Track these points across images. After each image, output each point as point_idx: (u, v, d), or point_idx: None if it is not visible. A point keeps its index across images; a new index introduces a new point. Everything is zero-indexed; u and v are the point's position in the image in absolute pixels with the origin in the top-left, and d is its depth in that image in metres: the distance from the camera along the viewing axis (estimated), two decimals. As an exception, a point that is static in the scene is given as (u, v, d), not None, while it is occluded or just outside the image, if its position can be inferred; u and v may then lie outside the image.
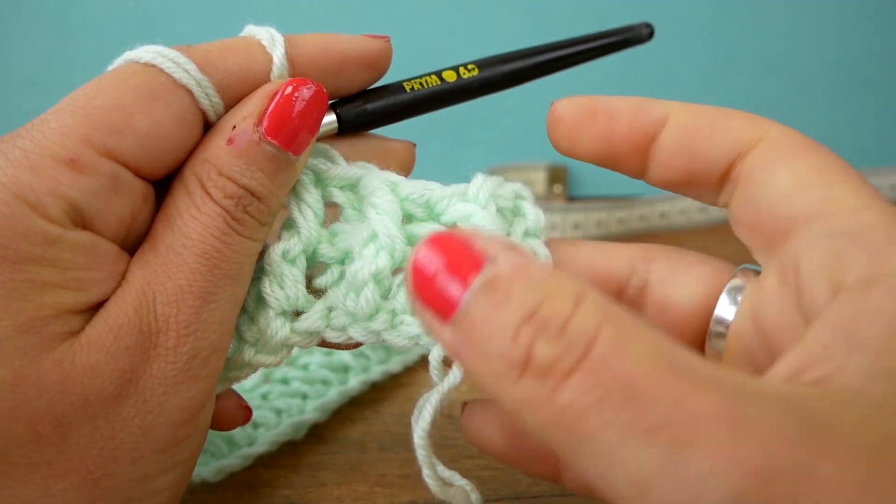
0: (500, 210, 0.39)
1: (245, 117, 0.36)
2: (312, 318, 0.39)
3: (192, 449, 0.38)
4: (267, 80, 0.38)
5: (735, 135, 0.36)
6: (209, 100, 0.37)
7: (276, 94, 0.37)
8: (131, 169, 0.35)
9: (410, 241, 0.39)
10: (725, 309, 0.37)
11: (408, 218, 0.40)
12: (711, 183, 0.37)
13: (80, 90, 0.36)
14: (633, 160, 0.39)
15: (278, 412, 0.54)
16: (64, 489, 0.34)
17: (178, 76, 0.36)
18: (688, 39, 0.87)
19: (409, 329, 0.38)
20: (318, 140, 0.40)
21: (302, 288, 0.39)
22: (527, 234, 0.39)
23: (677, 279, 0.39)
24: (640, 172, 0.39)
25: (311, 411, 0.54)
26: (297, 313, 0.40)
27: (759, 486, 0.22)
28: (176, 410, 0.35)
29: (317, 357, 0.58)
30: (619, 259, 0.40)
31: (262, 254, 0.39)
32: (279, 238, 0.39)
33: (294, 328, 0.39)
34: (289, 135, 0.36)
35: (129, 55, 0.37)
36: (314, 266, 0.40)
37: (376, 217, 0.38)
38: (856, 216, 0.31)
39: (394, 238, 0.38)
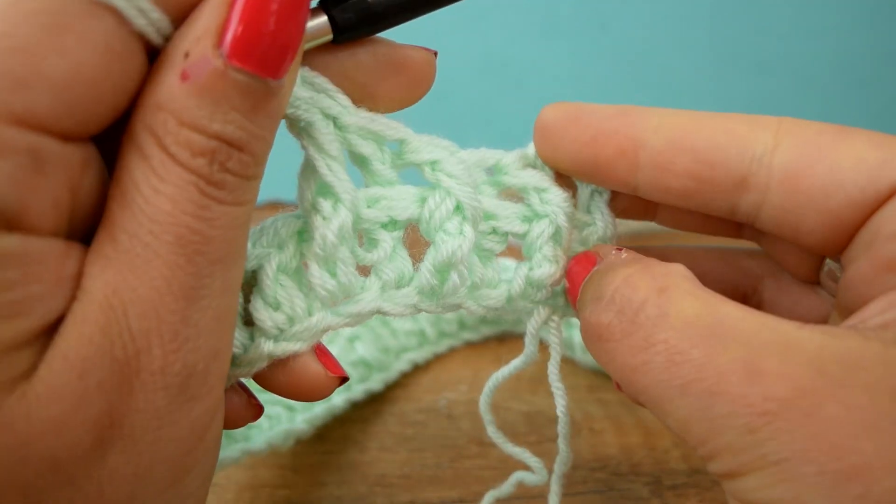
0: None
1: (199, 38, 0.26)
2: (367, 302, 0.34)
3: (203, 477, 0.31)
4: None
5: (744, 135, 0.34)
6: (146, 17, 0.26)
7: None
8: (55, 134, 0.25)
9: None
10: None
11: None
12: (725, 189, 0.34)
13: None
14: (619, 167, 0.35)
15: (268, 418, 0.53)
16: None
17: None
18: (687, 40, 0.87)
19: (491, 302, 0.37)
20: (308, 59, 0.31)
21: (354, 270, 0.34)
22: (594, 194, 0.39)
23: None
24: (628, 183, 0.36)
25: (300, 422, 0.53)
26: None
27: (766, 421, 0.27)
28: (176, 443, 0.28)
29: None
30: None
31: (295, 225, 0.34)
32: (317, 210, 0.33)
33: (339, 312, 0.34)
34: (264, 53, 0.26)
35: None
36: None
37: (458, 187, 0.35)
38: None
39: (478, 210, 0.35)
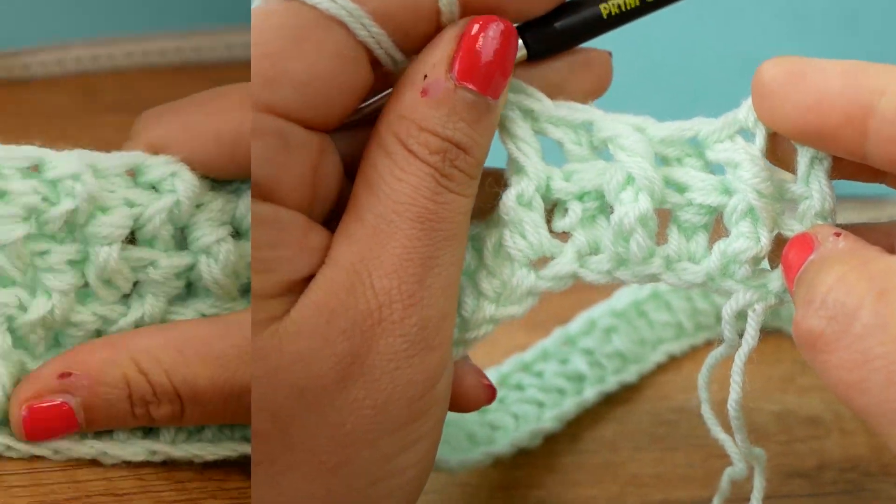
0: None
1: (435, 64, 0.33)
2: (562, 264, 0.38)
3: (434, 421, 0.36)
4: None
5: None
6: (367, 30, 0.33)
7: (462, 36, 0.34)
8: (297, 122, 0.33)
9: (668, 184, 0.37)
10: None
11: (664, 160, 0.38)
12: None
13: None
14: (845, 136, 0.32)
15: (515, 417, 0.54)
16: (295, 483, 0.33)
17: (325, 7, 0.32)
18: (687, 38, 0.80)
19: (689, 276, 0.38)
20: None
21: (545, 232, 0.38)
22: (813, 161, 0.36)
23: None
24: (855, 152, 0.32)
25: (548, 420, 0.54)
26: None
27: None
28: (411, 385, 0.33)
29: (552, 365, 0.58)
30: None
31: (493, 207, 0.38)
32: (508, 185, 0.38)
33: (541, 275, 0.38)
34: (484, 78, 0.34)
35: None
36: (548, 205, 0.38)
37: (629, 159, 0.36)
38: None
39: (651, 179, 0.36)
